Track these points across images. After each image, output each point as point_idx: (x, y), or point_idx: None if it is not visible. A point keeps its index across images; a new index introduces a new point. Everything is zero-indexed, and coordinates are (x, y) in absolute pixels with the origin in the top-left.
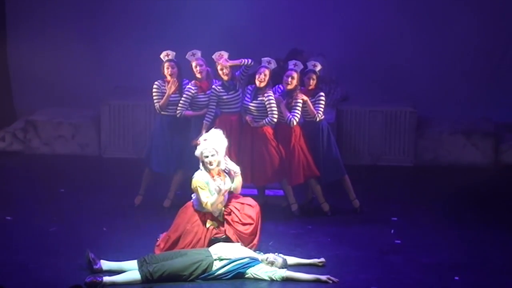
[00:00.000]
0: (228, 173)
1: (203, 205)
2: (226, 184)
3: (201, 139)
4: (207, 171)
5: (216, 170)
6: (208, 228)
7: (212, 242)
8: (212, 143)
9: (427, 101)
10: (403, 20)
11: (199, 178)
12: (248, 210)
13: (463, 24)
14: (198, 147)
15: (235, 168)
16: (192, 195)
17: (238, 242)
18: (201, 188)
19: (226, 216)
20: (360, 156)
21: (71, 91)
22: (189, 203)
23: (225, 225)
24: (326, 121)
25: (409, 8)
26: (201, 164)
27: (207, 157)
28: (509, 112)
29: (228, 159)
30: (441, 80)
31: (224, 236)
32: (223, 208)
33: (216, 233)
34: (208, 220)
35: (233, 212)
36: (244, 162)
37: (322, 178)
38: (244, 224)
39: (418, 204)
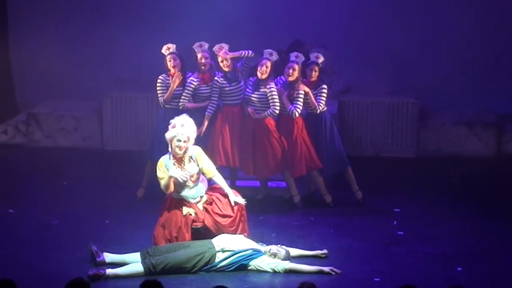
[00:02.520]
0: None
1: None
2: (179, 172)
3: (177, 123)
4: (171, 156)
5: (180, 156)
6: (185, 215)
7: (193, 231)
8: (188, 131)
9: (430, 92)
10: (405, 11)
11: (161, 160)
12: (229, 202)
13: (466, 14)
14: (171, 130)
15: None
16: None
17: (217, 233)
18: (158, 170)
19: (206, 206)
20: (362, 148)
21: (73, 83)
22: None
23: (205, 214)
24: (328, 113)
25: None
26: (169, 147)
27: (180, 141)
28: None
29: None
30: (444, 71)
31: (203, 226)
32: (205, 197)
33: (194, 222)
34: (185, 207)
35: (215, 202)
36: (246, 154)
37: (325, 170)
38: (223, 216)
39: (421, 195)
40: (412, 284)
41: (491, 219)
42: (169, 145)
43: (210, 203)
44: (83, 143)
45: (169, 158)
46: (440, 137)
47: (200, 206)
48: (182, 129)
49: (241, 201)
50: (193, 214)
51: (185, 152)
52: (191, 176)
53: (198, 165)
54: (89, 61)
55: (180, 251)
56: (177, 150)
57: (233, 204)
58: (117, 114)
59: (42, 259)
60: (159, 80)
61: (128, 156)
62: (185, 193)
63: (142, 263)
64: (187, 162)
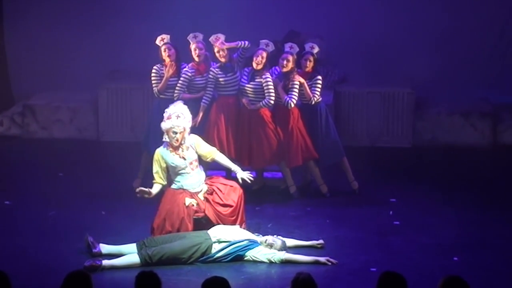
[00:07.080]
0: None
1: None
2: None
3: (172, 114)
4: (168, 145)
5: (177, 145)
6: (188, 206)
7: (194, 222)
8: (183, 122)
9: (425, 82)
10: (401, 1)
11: (158, 153)
12: (230, 192)
13: (461, 3)
14: (167, 120)
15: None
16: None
17: (218, 223)
18: (154, 163)
19: (207, 196)
20: (358, 138)
21: (69, 75)
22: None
23: (206, 204)
24: (324, 103)
25: None
26: (165, 136)
27: (176, 133)
28: (507, 92)
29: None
30: (439, 60)
31: (204, 216)
32: (205, 187)
33: (196, 212)
34: (187, 198)
35: (215, 192)
36: (242, 145)
37: (321, 160)
38: (224, 206)
39: (417, 185)
40: (400, 273)
41: (487, 209)
42: (165, 135)
43: (211, 193)
44: (79, 135)
45: (166, 148)
46: (436, 127)
47: (201, 196)
48: (178, 120)
49: (247, 176)
50: (195, 205)
51: (182, 143)
52: (190, 163)
53: (196, 152)
54: (84, 52)
55: (177, 242)
56: (173, 142)
57: (240, 181)
58: (112, 105)
59: (38, 251)
60: (153, 70)
61: (124, 147)
62: (185, 182)
63: (138, 254)
64: (185, 149)
